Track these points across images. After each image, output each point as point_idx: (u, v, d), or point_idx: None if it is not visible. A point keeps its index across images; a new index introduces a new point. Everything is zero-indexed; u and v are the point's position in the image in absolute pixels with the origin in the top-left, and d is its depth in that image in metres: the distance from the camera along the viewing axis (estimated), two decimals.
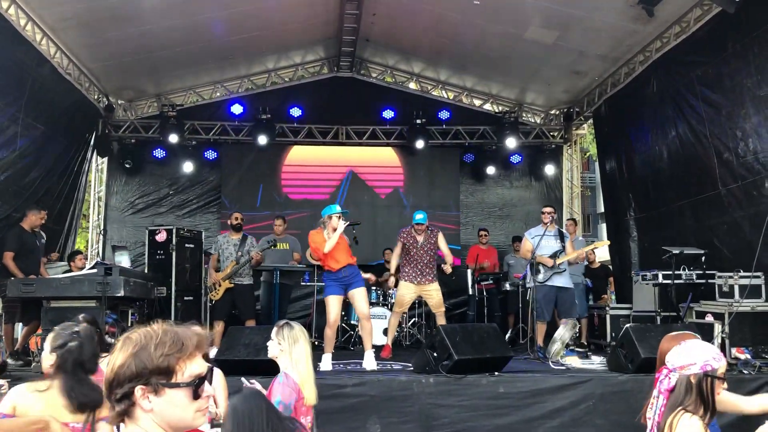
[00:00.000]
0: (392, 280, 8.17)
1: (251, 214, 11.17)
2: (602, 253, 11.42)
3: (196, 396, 1.57)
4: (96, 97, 10.74)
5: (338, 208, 6.74)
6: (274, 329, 3.80)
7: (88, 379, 2.94)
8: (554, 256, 7.48)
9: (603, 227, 12.75)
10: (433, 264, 7.73)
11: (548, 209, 7.78)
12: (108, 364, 1.56)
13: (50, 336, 3.57)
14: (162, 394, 1.53)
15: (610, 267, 10.88)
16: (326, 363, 6.47)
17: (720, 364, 2.65)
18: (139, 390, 1.51)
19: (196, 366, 1.58)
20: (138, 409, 1.53)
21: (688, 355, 2.69)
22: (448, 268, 7.61)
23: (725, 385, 2.72)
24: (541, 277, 7.45)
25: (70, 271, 7.83)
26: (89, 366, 3.00)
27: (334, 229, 6.59)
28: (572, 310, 7.64)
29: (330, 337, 6.74)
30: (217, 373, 4.00)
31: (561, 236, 7.70)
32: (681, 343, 2.79)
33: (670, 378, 2.71)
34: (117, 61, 9.85)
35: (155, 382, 1.52)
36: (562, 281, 7.49)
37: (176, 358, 1.54)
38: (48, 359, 3.07)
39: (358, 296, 6.73)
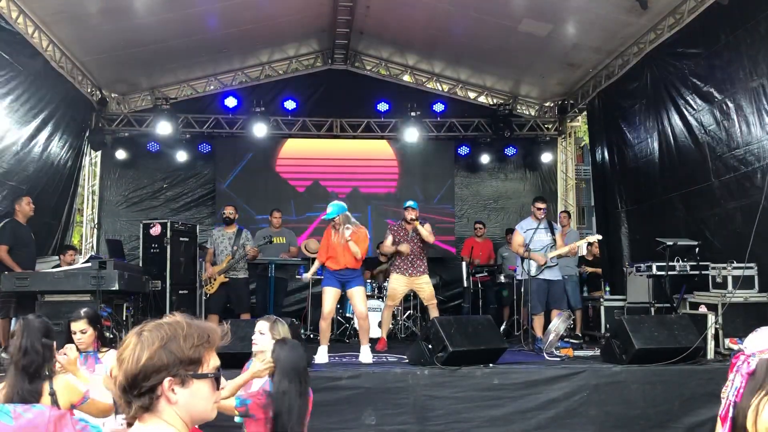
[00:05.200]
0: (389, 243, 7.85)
1: (246, 207, 11.16)
2: None
3: (217, 387, 1.59)
4: (89, 90, 10.69)
5: (338, 205, 6.82)
6: (266, 324, 3.82)
7: (29, 375, 2.94)
8: (546, 249, 7.56)
9: None
10: (423, 255, 7.76)
11: (542, 205, 7.77)
12: (127, 359, 1.52)
13: (73, 326, 4.02)
14: (189, 385, 1.53)
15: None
16: (322, 355, 6.49)
17: None
18: (167, 382, 1.51)
19: (216, 358, 1.60)
20: (162, 401, 1.52)
21: (767, 340, 2.82)
22: (417, 224, 7.57)
23: None
24: (533, 270, 7.49)
25: (59, 266, 7.79)
26: (26, 359, 2.97)
27: (343, 226, 6.74)
28: (562, 301, 7.77)
29: (324, 330, 6.75)
30: None
31: (551, 229, 7.75)
32: (757, 330, 2.91)
33: (749, 363, 2.81)
34: (110, 54, 9.80)
35: (183, 374, 1.52)
36: (552, 274, 7.60)
37: (204, 349, 1.56)
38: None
39: (357, 296, 6.77)
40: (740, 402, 2.77)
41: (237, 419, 3.35)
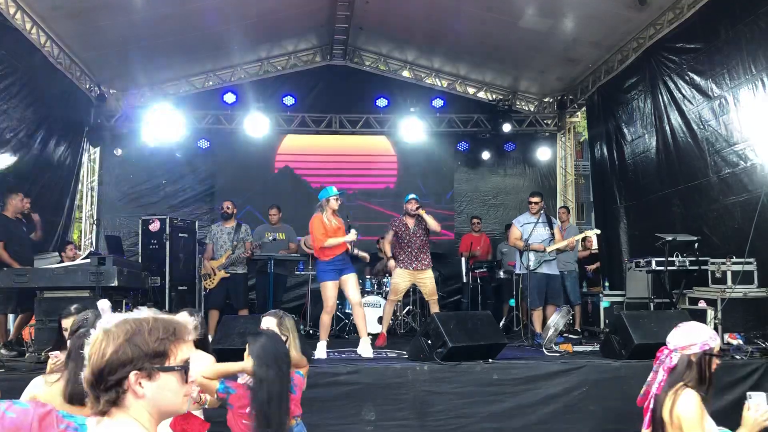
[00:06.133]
0: (392, 262, 7.91)
1: (244, 203, 11.15)
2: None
3: (186, 380, 1.60)
4: (88, 86, 10.67)
5: (335, 190, 6.77)
6: (273, 320, 3.78)
7: None
8: (544, 244, 7.60)
9: None
10: (427, 249, 7.76)
11: (536, 199, 7.81)
12: (93, 354, 1.54)
13: (64, 322, 3.67)
14: (156, 378, 1.55)
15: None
16: (321, 350, 6.48)
17: (716, 343, 2.98)
18: (133, 375, 1.52)
19: (185, 351, 1.61)
20: (129, 396, 1.53)
21: (689, 337, 2.98)
22: (423, 212, 7.64)
23: (720, 361, 3.03)
24: (532, 264, 7.51)
25: (62, 261, 7.79)
26: None
27: (333, 211, 6.70)
28: (559, 297, 7.82)
29: (326, 324, 6.73)
30: (211, 360, 4.01)
31: (549, 223, 7.77)
32: (679, 326, 3.07)
33: (671, 358, 2.98)
34: (108, 50, 9.78)
35: (149, 367, 1.53)
36: (549, 269, 7.64)
37: (170, 342, 1.57)
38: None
39: (350, 282, 6.74)
40: (659, 395, 2.96)
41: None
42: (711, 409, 3.06)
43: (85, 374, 1.54)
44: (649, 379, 3.07)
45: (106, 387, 1.52)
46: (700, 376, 2.92)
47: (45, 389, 2.92)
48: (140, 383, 1.53)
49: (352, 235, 6.69)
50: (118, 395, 1.53)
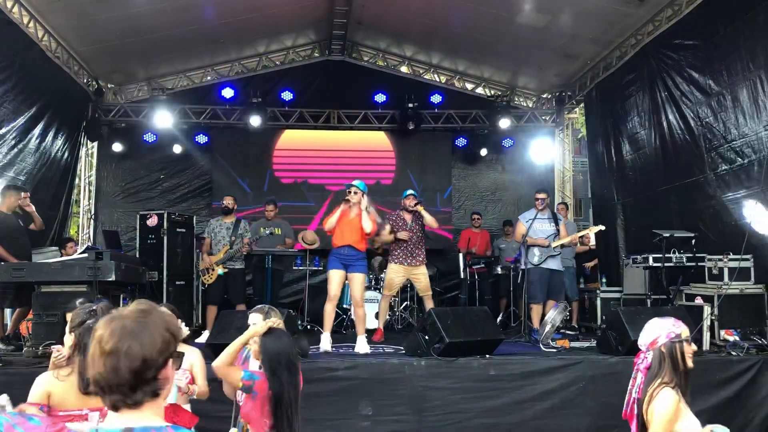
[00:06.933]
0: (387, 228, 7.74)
1: (242, 198, 11.13)
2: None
3: (177, 367, 1.67)
4: (85, 80, 10.65)
5: (352, 182, 6.81)
6: (259, 315, 3.79)
7: None
8: (549, 239, 7.62)
9: None
10: (422, 245, 7.76)
11: (541, 195, 7.85)
12: (137, 346, 1.46)
13: (69, 316, 3.59)
14: (174, 364, 1.58)
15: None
16: (325, 342, 6.45)
17: (682, 329, 2.97)
18: (170, 361, 1.53)
19: None
20: (161, 383, 1.52)
21: (653, 331, 3.00)
22: (421, 208, 7.62)
23: (694, 347, 3.00)
24: (536, 259, 7.52)
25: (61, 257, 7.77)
26: None
27: (356, 203, 6.70)
28: (561, 293, 7.83)
29: (329, 313, 6.70)
30: (197, 353, 4.03)
31: (555, 219, 7.80)
32: (645, 326, 3.08)
33: (646, 358, 3.00)
34: (106, 44, 9.75)
35: (174, 353, 1.56)
36: (554, 264, 7.65)
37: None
38: (68, 340, 3.08)
39: (356, 281, 6.72)
40: (640, 397, 2.96)
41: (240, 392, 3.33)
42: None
43: (122, 366, 1.44)
44: (629, 387, 3.07)
45: (152, 377, 1.48)
46: (674, 365, 2.90)
47: (59, 384, 2.93)
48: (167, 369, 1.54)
49: (343, 207, 6.65)
50: (157, 384, 1.50)
